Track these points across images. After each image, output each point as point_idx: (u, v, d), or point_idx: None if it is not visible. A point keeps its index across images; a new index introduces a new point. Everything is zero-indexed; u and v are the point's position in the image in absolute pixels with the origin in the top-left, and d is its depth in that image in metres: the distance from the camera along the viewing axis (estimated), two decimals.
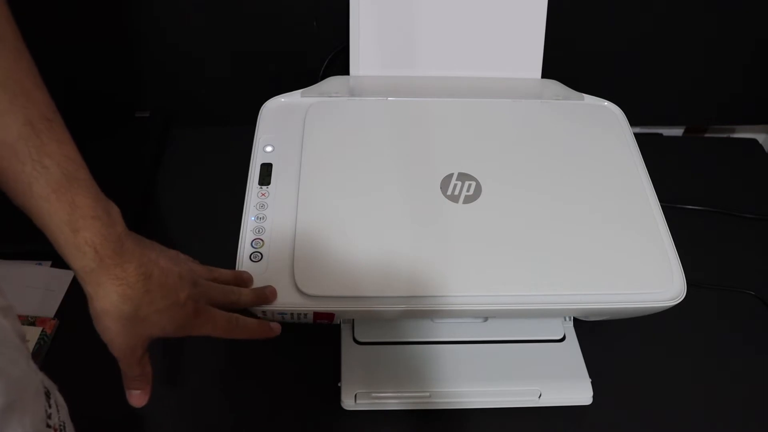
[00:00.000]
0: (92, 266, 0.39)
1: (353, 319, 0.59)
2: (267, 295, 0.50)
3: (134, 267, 0.40)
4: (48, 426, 0.35)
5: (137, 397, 0.47)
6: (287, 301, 0.50)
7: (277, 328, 0.51)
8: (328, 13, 0.71)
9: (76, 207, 0.37)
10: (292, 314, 0.51)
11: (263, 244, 0.53)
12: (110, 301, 0.40)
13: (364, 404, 0.55)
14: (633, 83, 0.81)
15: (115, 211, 0.40)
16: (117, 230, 0.39)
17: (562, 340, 0.60)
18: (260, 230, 0.54)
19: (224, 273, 0.50)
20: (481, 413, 0.56)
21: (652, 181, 0.59)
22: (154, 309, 0.42)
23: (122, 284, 0.40)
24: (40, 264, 0.66)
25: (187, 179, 0.76)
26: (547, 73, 0.69)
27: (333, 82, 0.67)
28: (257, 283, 0.51)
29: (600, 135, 0.63)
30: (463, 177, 0.57)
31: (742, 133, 0.91)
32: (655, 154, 0.64)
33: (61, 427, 0.37)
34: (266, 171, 0.58)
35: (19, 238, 0.66)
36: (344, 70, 0.69)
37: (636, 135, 0.64)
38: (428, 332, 0.59)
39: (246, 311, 0.51)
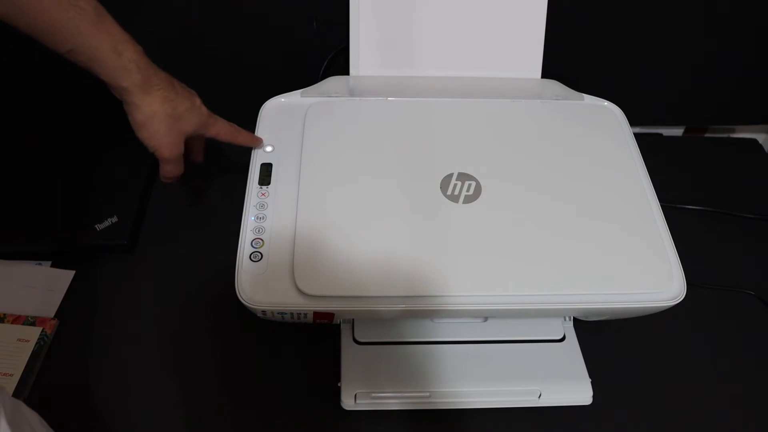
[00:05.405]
0: (138, 80, 0.50)
1: (353, 319, 0.59)
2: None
3: (163, 75, 0.52)
4: None
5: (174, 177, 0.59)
6: (287, 301, 0.50)
7: (261, 141, 0.60)
8: (328, 13, 0.71)
9: (113, 35, 0.48)
10: (292, 314, 0.51)
11: (263, 244, 0.53)
12: (157, 104, 0.52)
13: (364, 404, 0.55)
14: (633, 83, 0.81)
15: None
16: (141, 47, 0.51)
17: (562, 340, 0.60)
18: (260, 230, 0.54)
19: None
20: (481, 413, 0.56)
21: (652, 181, 0.59)
22: (183, 108, 0.54)
23: (160, 89, 0.52)
24: (40, 264, 0.66)
25: (186, 179, 0.76)
26: (547, 73, 0.69)
27: (333, 82, 0.67)
28: (257, 283, 0.51)
29: (600, 135, 0.63)
30: (463, 177, 0.57)
31: (742, 133, 0.91)
32: (655, 154, 0.64)
33: None
34: (266, 171, 0.58)
35: (19, 238, 0.67)
36: (344, 70, 0.68)
37: (636, 135, 0.64)
38: (428, 332, 0.59)
39: (246, 311, 0.51)
